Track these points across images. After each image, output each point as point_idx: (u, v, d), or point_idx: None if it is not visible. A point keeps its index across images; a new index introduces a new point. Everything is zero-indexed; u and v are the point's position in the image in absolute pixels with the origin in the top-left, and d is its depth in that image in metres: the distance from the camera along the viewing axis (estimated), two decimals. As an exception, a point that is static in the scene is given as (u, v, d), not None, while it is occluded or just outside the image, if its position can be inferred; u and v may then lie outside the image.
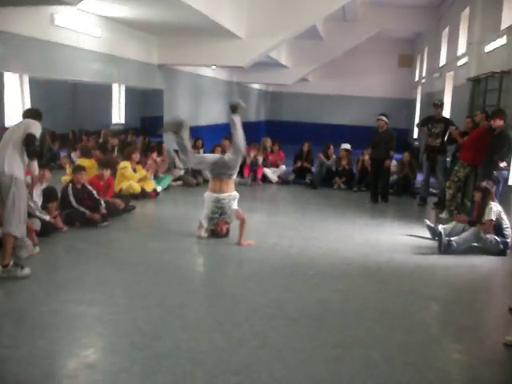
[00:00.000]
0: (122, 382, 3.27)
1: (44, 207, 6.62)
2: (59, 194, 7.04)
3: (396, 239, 7.25)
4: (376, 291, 5.20)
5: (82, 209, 7.04)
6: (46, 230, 6.40)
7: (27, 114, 5.49)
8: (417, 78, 20.75)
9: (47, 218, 6.51)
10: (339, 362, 3.65)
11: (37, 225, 6.24)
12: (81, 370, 3.41)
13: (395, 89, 22.16)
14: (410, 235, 7.43)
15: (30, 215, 6.19)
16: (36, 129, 5.21)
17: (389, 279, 5.61)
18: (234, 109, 6.85)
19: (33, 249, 5.68)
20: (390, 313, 4.65)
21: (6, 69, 7.81)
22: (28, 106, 11.16)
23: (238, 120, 6.80)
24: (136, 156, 9.38)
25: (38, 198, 6.54)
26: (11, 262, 4.98)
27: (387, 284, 5.45)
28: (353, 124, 22.17)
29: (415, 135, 18.69)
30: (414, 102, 20.72)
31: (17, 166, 5.03)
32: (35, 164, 5.51)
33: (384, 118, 9.76)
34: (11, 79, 10.35)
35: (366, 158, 10.94)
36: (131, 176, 9.07)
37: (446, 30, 14.56)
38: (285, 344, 3.89)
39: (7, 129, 10.43)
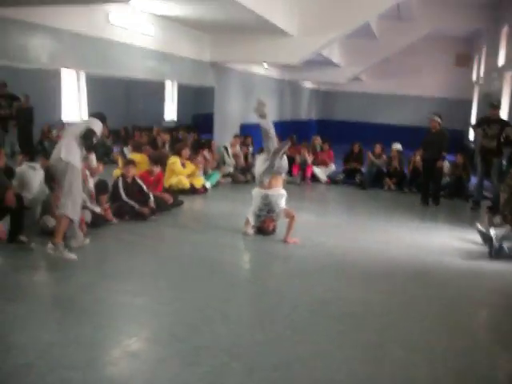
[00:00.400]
0: (161, 371, 3.32)
1: (95, 199, 6.81)
2: (110, 188, 7.23)
3: (446, 243, 7.05)
4: (421, 294, 5.08)
5: (131, 202, 7.20)
6: (97, 222, 6.59)
7: (93, 115, 5.83)
8: (474, 78, 20.13)
9: (98, 209, 6.70)
10: (379, 363, 3.59)
11: (88, 216, 6.43)
12: (123, 357, 3.49)
13: (451, 89, 21.56)
14: (461, 239, 7.22)
15: (82, 207, 6.40)
16: (97, 127, 5.52)
17: (436, 282, 5.47)
18: (260, 114, 6.83)
19: (83, 240, 5.82)
20: (434, 316, 4.54)
21: (63, 65, 8.08)
22: (84, 101, 11.56)
23: (265, 123, 6.71)
24: (186, 152, 9.50)
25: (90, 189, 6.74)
26: (62, 243, 5.27)
27: (434, 287, 5.31)
28: (406, 124, 21.74)
29: (471, 137, 18.15)
30: (470, 102, 20.10)
31: (73, 154, 5.28)
32: (93, 156, 5.81)
33: (437, 118, 9.51)
34: (68, 76, 10.72)
35: (418, 158, 10.70)
36: (180, 171, 9.20)
37: (505, 29, 14.04)
38: (325, 342, 3.86)
39: (64, 123, 10.88)
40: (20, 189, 6.17)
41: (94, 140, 5.51)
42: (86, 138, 5.37)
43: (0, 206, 5.50)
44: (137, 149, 9.38)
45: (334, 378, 3.36)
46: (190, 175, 9.46)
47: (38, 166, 6.68)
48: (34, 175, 6.46)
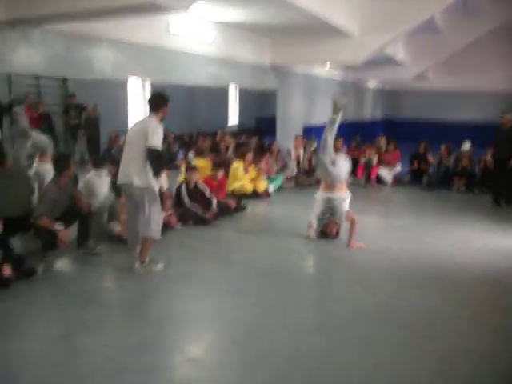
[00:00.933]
0: (221, 378, 3.33)
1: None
2: (174, 194, 7.36)
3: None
4: (493, 301, 4.84)
5: (194, 208, 7.30)
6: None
7: (150, 104, 5.25)
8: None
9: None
10: (444, 376, 3.43)
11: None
12: (182, 363, 3.53)
13: (522, 83, 20.53)
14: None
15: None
16: (157, 136, 5.00)
17: (509, 289, 5.19)
18: (335, 108, 6.58)
19: (155, 267, 5.48)
20: (506, 325, 4.30)
21: (126, 74, 8.33)
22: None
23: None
24: (249, 156, 9.54)
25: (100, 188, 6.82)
26: (147, 259, 5.32)
27: (507, 294, 5.04)
28: (475, 121, 20.92)
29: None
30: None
31: (145, 175, 5.04)
32: (162, 180, 5.67)
33: (508, 115, 9.09)
34: (134, 85, 11.03)
35: (489, 157, 10.23)
36: (242, 177, 9.24)
37: None
38: (389, 352, 3.74)
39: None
40: (87, 196, 6.39)
41: (161, 153, 5.18)
42: (152, 162, 5.00)
43: (70, 213, 5.72)
44: (200, 154, 9.51)
45: (398, 388, 3.25)
46: (253, 180, 9.48)
47: (104, 173, 6.89)
48: (100, 182, 6.67)
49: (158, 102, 5.21)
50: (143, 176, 5.04)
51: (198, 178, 7.63)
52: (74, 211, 5.75)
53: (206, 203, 7.49)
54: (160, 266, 5.41)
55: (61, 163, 5.75)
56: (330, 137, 6.44)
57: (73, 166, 5.82)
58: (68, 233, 5.62)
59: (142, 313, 4.33)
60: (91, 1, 5.41)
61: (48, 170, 6.44)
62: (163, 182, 5.62)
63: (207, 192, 7.59)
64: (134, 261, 5.30)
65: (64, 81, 10.85)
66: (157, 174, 5.12)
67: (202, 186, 7.63)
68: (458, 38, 16.19)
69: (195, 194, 7.47)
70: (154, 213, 5.18)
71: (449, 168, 11.02)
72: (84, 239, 5.82)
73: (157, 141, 4.99)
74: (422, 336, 4.02)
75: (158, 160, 5.08)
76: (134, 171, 5.02)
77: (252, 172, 9.44)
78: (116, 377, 3.31)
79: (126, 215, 5.55)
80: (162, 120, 5.21)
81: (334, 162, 6.44)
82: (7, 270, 4.75)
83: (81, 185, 6.65)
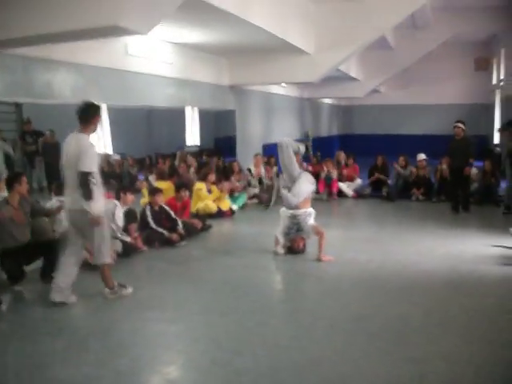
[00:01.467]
0: (202, 398, 3.30)
1: (125, 228, 6.87)
2: (138, 216, 7.30)
3: (480, 250, 6.91)
4: (460, 304, 4.97)
5: (160, 229, 7.25)
6: (127, 251, 6.64)
7: (79, 117, 4.78)
8: (494, 81, 19.93)
9: (128, 239, 6.76)
10: (424, 378, 3.51)
11: (118, 246, 6.49)
12: (163, 386, 3.48)
13: (472, 94, 21.37)
14: (495, 245, 7.06)
15: (112, 237, 6.48)
16: (89, 158, 4.66)
17: (473, 291, 5.34)
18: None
19: (70, 296, 5.10)
20: (475, 327, 4.43)
21: (85, 98, 8.23)
22: (108, 133, 11.73)
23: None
24: (211, 177, 9.55)
25: (119, 220, 6.80)
26: (115, 283, 5.18)
27: (472, 297, 5.19)
28: (429, 133, 21.58)
29: (496, 140, 17.89)
30: (492, 106, 19.88)
31: (93, 201, 4.72)
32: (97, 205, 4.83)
33: (461, 125, 9.41)
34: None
35: (444, 167, 10.56)
36: (206, 197, 9.24)
37: (524, 30, 13.91)
38: (365, 359, 3.79)
39: (107, 155, 10.97)
40: (52, 224, 6.26)
41: (93, 181, 4.70)
42: (83, 187, 4.65)
43: (35, 247, 5.57)
44: (161, 176, 9.46)
45: (378, 396, 3.30)
46: (216, 200, 9.49)
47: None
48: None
49: (87, 113, 4.80)
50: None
51: (162, 201, 7.59)
52: (38, 244, 5.60)
53: (172, 225, 7.45)
54: (130, 289, 5.28)
55: (11, 179, 5.57)
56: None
57: (25, 183, 5.57)
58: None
59: (115, 340, 4.24)
60: (53, 24, 5.36)
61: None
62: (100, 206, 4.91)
63: (172, 214, 7.56)
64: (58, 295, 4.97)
65: (18, 106, 10.63)
66: (88, 198, 4.69)
67: (167, 207, 7.58)
68: (410, 53, 16.77)
69: (160, 216, 7.42)
70: (106, 236, 5.05)
71: (407, 178, 11.31)
72: (51, 270, 5.59)
73: (89, 164, 4.65)
74: (396, 343, 4.08)
75: (88, 184, 4.67)
76: (80, 196, 4.70)
77: (215, 192, 9.44)
78: (95, 404, 3.23)
79: (68, 244, 5.09)
80: (93, 132, 4.91)
81: (293, 182, 6.62)
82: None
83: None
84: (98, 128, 7.45)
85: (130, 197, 7.00)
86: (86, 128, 4.83)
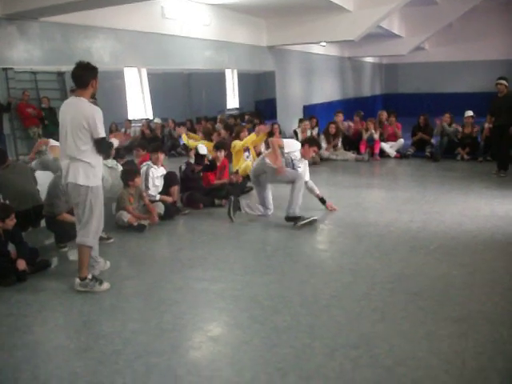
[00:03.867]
0: (243, 353, 3.37)
1: (166, 192, 6.98)
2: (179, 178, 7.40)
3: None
4: (504, 265, 4.87)
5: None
6: (170, 213, 6.77)
7: (75, 80, 4.39)
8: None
9: (169, 199, 6.87)
10: (464, 337, 3.47)
11: (160, 208, 6.62)
12: (205, 342, 3.57)
13: (520, 48, 20.39)
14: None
15: (154, 201, 6.63)
16: (99, 123, 4.36)
17: (520, 252, 5.23)
18: None
19: (104, 264, 5.04)
20: (521, 287, 4.34)
21: (125, 64, 8.30)
22: (148, 98, 11.81)
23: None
24: (244, 134, 9.51)
25: (159, 182, 6.90)
26: (89, 276, 4.56)
27: (518, 257, 5.08)
28: (475, 91, 20.79)
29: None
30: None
31: (91, 172, 4.42)
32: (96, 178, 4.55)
33: (503, 82, 8.93)
34: (131, 74, 10.99)
35: (487, 125, 10.14)
36: (240, 145, 9.14)
37: None
38: (405, 318, 3.78)
39: (130, 121, 11.10)
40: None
41: (109, 143, 4.63)
42: (103, 152, 4.50)
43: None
44: (207, 136, 9.45)
45: (417, 354, 3.29)
46: (255, 142, 9.44)
47: (113, 163, 6.92)
48: (108, 173, 6.69)
49: (84, 74, 4.37)
50: (89, 172, 4.40)
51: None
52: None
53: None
54: (105, 285, 4.60)
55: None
56: None
57: None
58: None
59: (158, 297, 4.36)
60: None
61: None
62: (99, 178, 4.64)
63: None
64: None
65: (60, 74, 10.80)
66: (107, 157, 4.73)
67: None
68: (454, 7, 16.05)
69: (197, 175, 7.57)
70: (96, 216, 4.51)
71: (452, 137, 10.99)
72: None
73: (101, 130, 4.36)
74: (438, 303, 4.05)
75: (108, 148, 4.63)
76: (78, 168, 4.36)
77: (250, 137, 9.25)
78: (140, 359, 3.35)
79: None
80: (93, 96, 4.50)
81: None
82: (22, 265, 4.80)
83: None
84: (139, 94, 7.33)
85: (160, 156, 7.01)
86: (85, 92, 4.40)
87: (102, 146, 4.43)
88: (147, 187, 6.73)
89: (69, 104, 4.45)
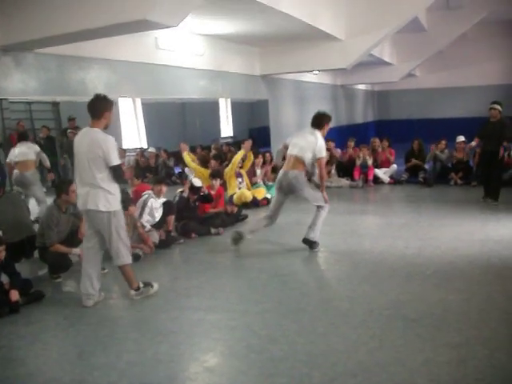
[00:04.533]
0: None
1: (163, 220, 6.96)
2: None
3: (522, 233, 6.73)
4: (501, 289, 4.85)
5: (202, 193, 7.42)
6: (165, 242, 6.74)
7: (90, 111, 4.60)
8: (537, 60, 19.29)
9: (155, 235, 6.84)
10: (462, 364, 3.44)
11: (155, 237, 6.59)
12: (201, 373, 3.52)
13: (510, 74, 20.67)
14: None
15: (148, 230, 6.61)
16: (113, 152, 4.55)
17: (516, 276, 5.22)
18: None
19: (99, 296, 5.00)
20: (518, 311, 4.32)
21: (119, 94, 8.36)
22: (142, 127, 11.88)
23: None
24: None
25: (158, 213, 6.87)
26: (140, 284, 4.98)
27: (514, 281, 5.07)
28: (467, 116, 21.02)
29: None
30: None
31: (111, 197, 4.64)
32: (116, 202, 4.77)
33: (497, 107, 8.77)
34: (125, 104, 11.06)
35: (478, 149, 10.14)
36: (233, 165, 9.12)
37: None
38: (403, 345, 3.75)
39: (125, 150, 11.12)
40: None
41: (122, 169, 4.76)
42: (118, 179, 4.67)
43: (74, 235, 5.74)
44: (204, 163, 9.47)
45: (416, 382, 3.26)
46: (244, 166, 9.54)
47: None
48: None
49: (99, 107, 4.59)
50: (109, 198, 4.61)
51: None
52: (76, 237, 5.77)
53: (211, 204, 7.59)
54: (156, 286, 5.09)
55: (60, 186, 5.74)
56: None
57: (71, 192, 5.67)
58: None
59: (154, 328, 4.31)
60: (83, 22, 5.47)
61: None
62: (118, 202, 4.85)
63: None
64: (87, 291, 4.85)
65: (55, 104, 10.87)
66: (122, 183, 4.87)
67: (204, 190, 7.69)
68: (444, 34, 16.35)
69: (194, 205, 7.54)
70: (124, 236, 4.79)
71: (444, 163, 11.07)
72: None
73: (115, 158, 4.55)
74: (436, 329, 4.02)
75: (122, 175, 4.77)
76: (98, 195, 4.56)
77: (239, 154, 9.29)
78: (135, 391, 3.30)
79: (84, 245, 4.97)
80: (106, 127, 4.64)
81: None
82: (15, 295, 4.75)
83: None
84: (130, 121, 7.36)
85: (163, 188, 7.04)
86: (98, 123, 4.60)
87: (117, 173, 4.61)
88: (141, 215, 6.68)
89: (83, 134, 4.66)
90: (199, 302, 4.85)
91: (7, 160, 7.52)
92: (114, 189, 4.68)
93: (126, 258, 4.82)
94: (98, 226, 4.70)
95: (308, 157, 6.21)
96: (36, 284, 5.26)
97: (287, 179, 6.28)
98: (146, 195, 6.81)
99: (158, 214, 6.91)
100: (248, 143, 9.26)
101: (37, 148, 7.62)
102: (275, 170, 7.00)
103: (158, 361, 3.69)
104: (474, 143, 9.15)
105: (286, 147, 6.59)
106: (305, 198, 6.41)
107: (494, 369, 3.37)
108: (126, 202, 6.34)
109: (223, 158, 10.55)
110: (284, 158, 6.67)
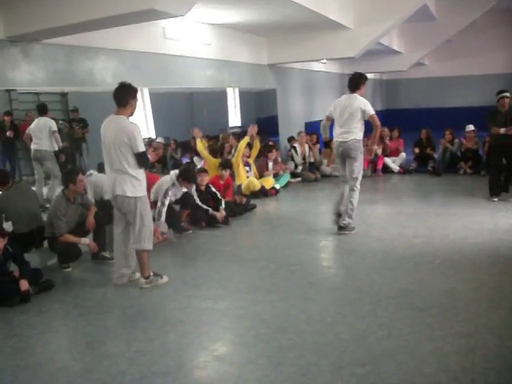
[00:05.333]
0: (249, 373, 3.34)
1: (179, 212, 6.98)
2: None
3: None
4: (510, 279, 4.84)
5: (204, 206, 7.27)
6: (174, 231, 6.78)
7: (116, 99, 4.78)
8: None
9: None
10: (471, 353, 3.44)
11: (164, 227, 6.60)
12: (210, 361, 3.54)
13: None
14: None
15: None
16: (139, 139, 4.71)
17: (526, 265, 5.20)
18: None
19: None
20: (527, 301, 4.30)
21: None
22: (150, 117, 11.87)
23: None
24: (246, 151, 9.58)
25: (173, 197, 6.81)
26: (151, 273, 5.05)
27: (524, 270, 5.05)
28: (475, 105, 20.82)
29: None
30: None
31: (138, 183, 4.81)
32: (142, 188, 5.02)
33: (509, 95, 8.23)
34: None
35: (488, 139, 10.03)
36: (239, 147, 9.16)
37: None
38: (412, 334, 3.75)
39: (150, 139, 11.09)
40: (97, 195, 6.41)
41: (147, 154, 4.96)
42: (142, 164, 4.81)
43: (83, 224, 5.77)
44: (214, 153, 9.46)
45: (424, 370, 3.25)
46: (251, 155, 9.64)
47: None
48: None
49: (124, 94, 4.75)
50: (135, 184, 4.78)
51: (207, 180, 7.64)
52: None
53: (217, 205, 7.50)
54: (165, 278, 5.15)
55: (67, 177, 5.76)
56: None
57: (79, 181, 5.70)
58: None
59: (163, 317, 4.34)
60: (90, 11, 5.44)
61: None
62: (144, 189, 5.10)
63: (218, 194, 7.60)
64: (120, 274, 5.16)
65: (63, 95, 10.86)
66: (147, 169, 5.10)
67: (213, 188, 7.63)
68: (453, 23, 16.12)
69: (206, 196, 7.48)
70: (148, 222, 4.94)
71: (454, 152, 11.00)
72: (99, 249, 5.84)
73: (141, 145, 4.72)
74: (444, 318, 4.02)
75: (147, 161, 4.98)
76: (125, 181, 4.74)
77: (245, 139, 9.30)
78: (145, 379, 3.32)
79: (115, 230, 5.19)
80: (131, 115, 4.81)
81: None
82: (24, 285, 4.79)
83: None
84: (137, 111, 7.43)
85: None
86: (124, 111, 4.77)
87: (142, 160, 4.77)
88: (163, 204, 6.51)
89: (109, 122, 4.82)
90: (207, 291, 4.87)
91: (26, 131, 7.57)
92: (140, 175, 4.85)
93: (146, 243, 4.94)
94: (125, 211, 4.88)
95: (357, 121, 6.48)
96: (46, 274, 5.31)
97: (344, 147, 6.53)
98: (169, 184, 6.73)
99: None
100: (253, 128, 9.27)
101: (53, 125, 7.63)
102: (328, 144, 7.06)
103: (166, 350, 3.71)
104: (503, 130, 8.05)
105: (329, 119, 6.79)
106: (351, 166, 6.57)
107: (502, 358, 3.37)
108: None
109: (217, 152, 10.56)
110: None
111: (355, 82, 6.58)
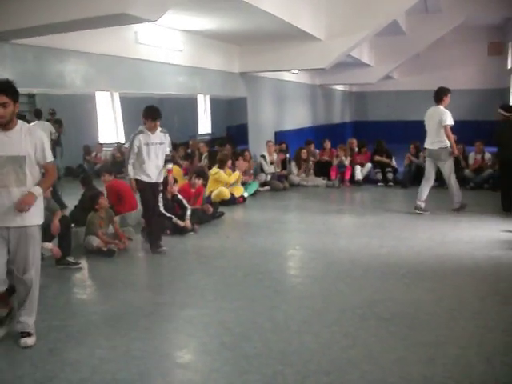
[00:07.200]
0: (213, 381, 3.32)
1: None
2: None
3: (494, 236, 6.86)
4: (472, 290, 4.96)
5: (168, 214, 7.20)
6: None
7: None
8: (509, 66, 19.61)
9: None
10: (433, 362, 3.49)
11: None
12: (174, 369, 3.51)
13: (485, 79, 20.97)
14: (508, 231, 7.01)
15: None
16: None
17: (487, 277, 5.32)
18: None
19: None
20: (487, 312, 4.40)
21: (97, 88, 8.27)
22: (120, 122, 11.74)
23: None
24: (229, 163, 9.63)
25: (156, 151, 6.60)
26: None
27: (485, 282, 5.18)
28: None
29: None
30: (507, 90, 19.55)
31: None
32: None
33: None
34: (103, 98, 10.92)
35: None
36: (226, 179, 9.25)
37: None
38: (376, 344, 3.79)
39: (102, 145, 11.00)
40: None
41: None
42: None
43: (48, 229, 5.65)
44: (175, 162, 9.43)
45: (387, 380, 3.29)
46: (234, 183, 9.56)
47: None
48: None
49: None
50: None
51: (176, 189, 7.57)
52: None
53: (183, 213, 7.45)
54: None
55: None
56: None
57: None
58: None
59: (126, 324, 4.28)
60: (62, 13, 5.37)
61: None
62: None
63: (184, 202, 7.55)
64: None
65: (31, 96, 10.67)
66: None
67: (180, 196, 7.57)
68: (422, 38, 16.54)
69: (172, 204, 7.43)
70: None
71: (420, 164, 11.20)
72: (64, 254, 5.73)
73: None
74: (408, 328, 4.08)
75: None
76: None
77: (235, 175, 9.50)
78: (107, 387, 3.27)
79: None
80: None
81: None
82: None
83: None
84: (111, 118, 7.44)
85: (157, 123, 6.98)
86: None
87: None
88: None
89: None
90: (172, 298, 4.83)
91: None
92: None
93: None
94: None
95: (439, 130, 7.74)
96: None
97: (433, 154, 7.90)
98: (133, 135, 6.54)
99: (160, 154, 6.59)
100: (243, 164, 10.03)
101: (52, 129, 7.56)
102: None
103: (130, 357, 3.66)
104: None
105: None
106: (442, 168, 7.99)
107: (462, 367, 3.43)
108: (94, 198, 6.32)
109: (193, 156, 10.61)
110: None
111: (438, 95, 7.79)
